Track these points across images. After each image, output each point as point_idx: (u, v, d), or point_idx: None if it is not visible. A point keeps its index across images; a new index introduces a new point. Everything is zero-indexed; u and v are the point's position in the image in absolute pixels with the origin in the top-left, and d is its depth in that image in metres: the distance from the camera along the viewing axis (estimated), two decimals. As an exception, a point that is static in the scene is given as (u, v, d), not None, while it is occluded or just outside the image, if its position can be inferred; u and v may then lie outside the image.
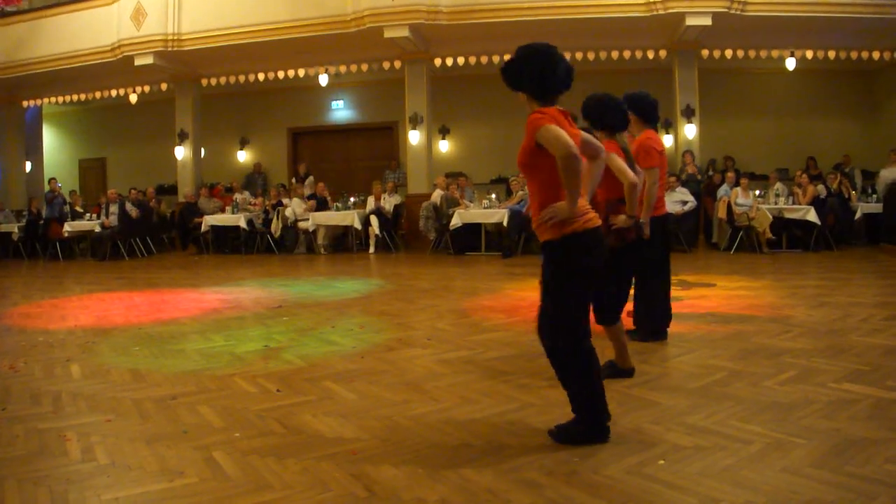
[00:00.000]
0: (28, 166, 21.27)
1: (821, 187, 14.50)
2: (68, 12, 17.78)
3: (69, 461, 4.03)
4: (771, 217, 13.42)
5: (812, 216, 13.42)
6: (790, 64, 16.16)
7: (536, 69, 4.01)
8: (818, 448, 3.83)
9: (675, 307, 8.04)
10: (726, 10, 13.94)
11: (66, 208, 18.65)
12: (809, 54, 15.80)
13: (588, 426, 4.03)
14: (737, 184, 14.34)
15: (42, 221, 18.43)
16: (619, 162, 5.10)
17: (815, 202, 13.80)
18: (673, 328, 6.92)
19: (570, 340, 4.00)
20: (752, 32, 15.29)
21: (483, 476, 3.64)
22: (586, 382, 4.02)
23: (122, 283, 12.30)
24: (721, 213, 14.27)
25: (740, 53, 15.88)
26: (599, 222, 4.08)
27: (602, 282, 4.26)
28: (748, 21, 14.42)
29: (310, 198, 16.82)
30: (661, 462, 3.73)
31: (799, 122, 18.01)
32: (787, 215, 13.68)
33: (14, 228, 18.30)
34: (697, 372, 5.41)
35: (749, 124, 18.17)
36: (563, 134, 3.75)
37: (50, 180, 19.89)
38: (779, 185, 14.51)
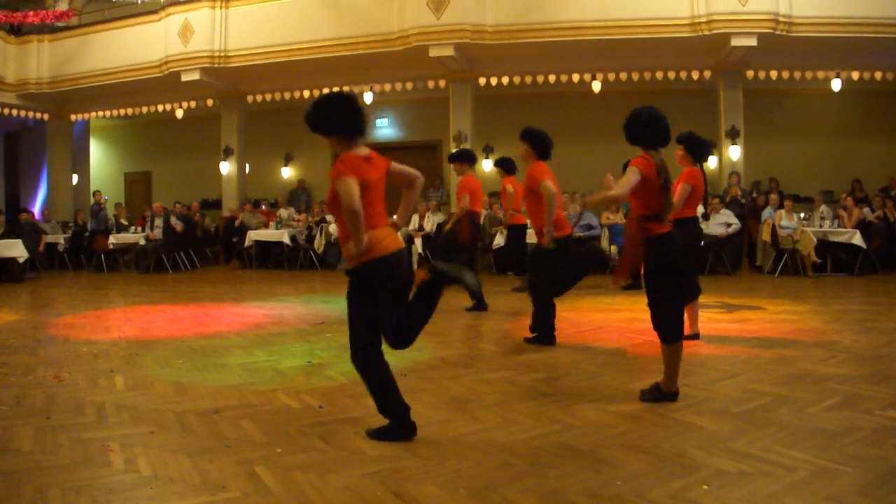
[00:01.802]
0: (75, 179, 21.64)
1: (866, 210, 14.33)
2: (117, 28, 18.09)
3: (112, 471, 4.07)
4: (815, 240, 13.28)
5: (857, 240, 13.25)
6: (836, 85, 15.96)
7: (339, 115, 4.44)
8: (864, 476, 3.77)
9: (719, 330, 8.02)
10: (772, 30, 13.83)
11: (111, 221, 18.90)
12: (856, 75, 15.62)
13: (396, 427, 4.52)
14: (781, 206, 14.21)
15: (87, 233, 18.72)
16: (626, 177, 5.16)
17: (861, 225, 13.65)
18: (716, 351, 6.89)
19: (366, 353, 4.48)
20: (797, 53, 15.14)
21: (525, 498, 3.62)
22: (385, 387, 4.50)
23: (165, 296, 12.43)
24: (765, 235, 14.14)
25: (786, 74, 15.72)
26: (396, 247, 4.49)
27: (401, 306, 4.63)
28: (794, 42, 14.29)
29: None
30: (705, 487, 3.69)
31: (844, 144, 17.74)
32: (832, 238, 13.53)
33: (60, 239, 18.57)
34: (741, 396, 5.35)
35: (794, 146, 17.93)
36: (353, 190, 4.19)
37: (94, 193, 20.19)
38: (824, 208, 14.35)
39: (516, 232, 10.52)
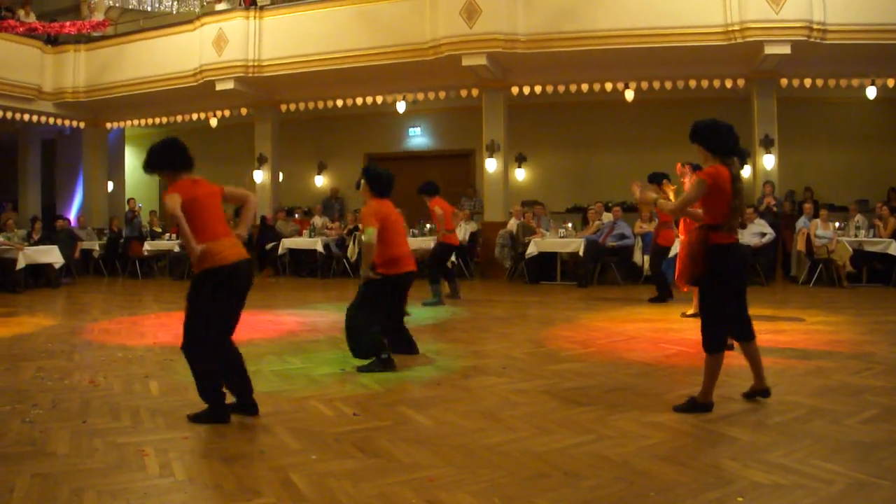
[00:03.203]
0: (110, 186, 21.89)
1: (903, 220, 14.16)
2: (152, 38, 18.31)
3: (147, 476, 4.11)
4: (851, 250, 13.14)
5: (893, 249, 13.09)
6: (871, 93, 15.77)
7: (172, 157, 5.30)
8: (903, 491, 3.73)
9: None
10: (806, 38, 13.71)
11: (146, 228, 19.09)
12: (891, 83, 15.40)
13: (212, 411, 5.16)
14: (815, 215, 14.08)
15: (122, 240, 18.94)
16: (689, 191, 5.37)
17: (897, 235, 13.50)
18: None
19: (197, 346, 5.13)
20: (832, 61, 14.98)
21: (559, 507, 3.61)
22: (209, 377, 5.16)
23: (199, 303, 12.45)
24: (800, 245, 14.02)
25: (820, 82, 15.56)
26: (237, 258, 5.20)
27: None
28: (828, 49, 14.17)
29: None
30: (740, 499, 3.66)
31: (880, 153, 17.50)
32: (868, 248, 13.38)
33: (95, 246, 18.81)
34: (777, 408, 5.30)
35: (828, 154, 17.75)
36: (175, 200, 5.00)
37: (129, 200, 20.43)
38: (859, 217, 14.20)
39: (444, 248, 11.83)
